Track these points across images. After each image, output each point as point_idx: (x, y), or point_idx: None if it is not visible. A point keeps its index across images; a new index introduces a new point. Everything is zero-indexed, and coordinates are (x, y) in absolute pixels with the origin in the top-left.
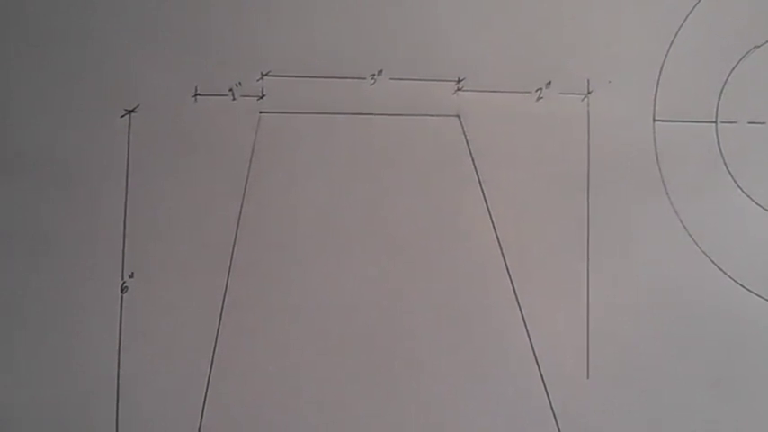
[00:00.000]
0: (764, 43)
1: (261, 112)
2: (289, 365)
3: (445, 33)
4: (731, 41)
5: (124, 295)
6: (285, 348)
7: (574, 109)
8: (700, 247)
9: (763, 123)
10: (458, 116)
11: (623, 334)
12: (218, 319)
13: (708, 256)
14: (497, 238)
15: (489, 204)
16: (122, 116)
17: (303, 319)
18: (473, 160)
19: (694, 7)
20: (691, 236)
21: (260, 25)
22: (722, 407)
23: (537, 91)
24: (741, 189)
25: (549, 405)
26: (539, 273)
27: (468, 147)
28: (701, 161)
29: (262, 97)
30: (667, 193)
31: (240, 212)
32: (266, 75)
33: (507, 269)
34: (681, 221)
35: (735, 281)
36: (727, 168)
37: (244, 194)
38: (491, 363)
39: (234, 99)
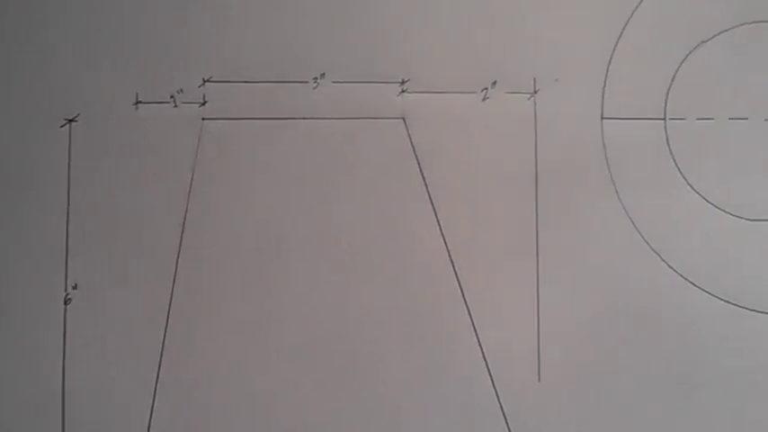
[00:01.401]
0: (712, 38)
1: (203, 119)
2: (236, 375)
3: (388, 34)
4: (678, 37)
5: (68, 307)
6: (231, 358)
7: (520, 108)
8: (650, 246)
9: (712, 119)
10: (403, 118)
11: (574, 335)
12: (163, 330)
13: (658, 254)
14: (445, 241)
15: (436, 206)
16: (62, 126)
17: (249, 327)
18: (418, 162)
19: (640, 3)
20: (641, 234)
21: (200, 31)
22: (674, 406)
23: (483, 91)
24: (691, 186)
25: (500, 408)
26: (488, 275)
27: (414, 149)
28: (650, 159)
29: (204, 103)
30: (616, 192)
31: (184, 221)
32: (208, 81)
33: (455, 272)
34: (630, 220)
35: (685, 278)
36: (676, 165)
37: (188, 202)
38: (441, 366)
39: (176, 106)
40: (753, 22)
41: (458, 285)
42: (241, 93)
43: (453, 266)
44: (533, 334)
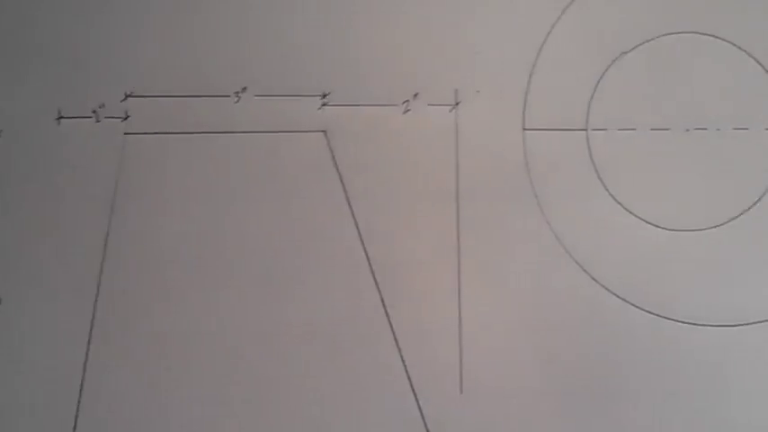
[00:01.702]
0: (632, 49)
1: (126, 134)
2: (159, 391)
3: (309, 47)
4: (600, 48)
5: None
6: (155, 374)
7: (442, 120)
8: (572, 257)
9: (634, 130)
10: (324, 131)
11: (497, 347)
12: (86, 343)
13: (580, 266)
14: (366, 254)
15: (357, 219)
16: None
17: (172, 341)
18: (340, 175)
19: (562, 14)
20: (563, 245)
21: (123, 45)
22: (598, 418)
23: (404, 103)
24: (612, 197)
25: (422, 421)
26: (409, 287)
27: (335, 162)
28: (572, 169)
29: (126, 118)
30: (538, 203)
31: (107, 235)
32: (130, 95)
33: (377, 284)
34: (552, 231)
35: (607, 289)
36: (598, 176)
37: (110, 216)
38: (363, 379)
39: (98, 121)
40: (673, 33)
41: (379, 298)
42: (163, 107)
43: (375, 279)
44: (455, 346)
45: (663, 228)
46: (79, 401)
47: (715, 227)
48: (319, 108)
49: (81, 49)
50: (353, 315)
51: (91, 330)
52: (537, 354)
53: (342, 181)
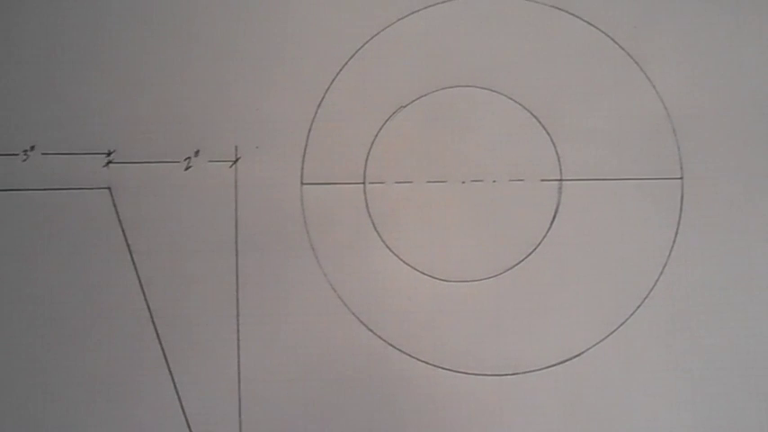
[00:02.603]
0: (410, 103)
1: None
2: None
3: (95, 106)
4: (378, 103)
5: None
6: None
7: (222, 175)
8: (349, 309)
9: (411, 183)
10: (108, 188)
11: (276, 398)
12: None
13: (357, 317)
14: (148, 306)
15: (140, 273)
16: None
17: None
18: (123, 230)
19: (341, 70)
20: (340, 297)
21: None
22: None
23: (186, 160)
24: (389, 248)
25: None
26: (190, 338)
27: (119, 218)
28: (350, 222)
29: None
30: (316, 256)
31: None
32: None
33: (158, 336)
34: (329, 283)
35: (384, 341)
36: (375, 228)
37: None
38: (144, 429)
39: None
40: (449, 87)
41: (161, 350)
42: None
43: (156, 332)
44: (235, 396)
45: (440, 279)
46: None
47: (491, 277)
48: (104, 165)
49: None
50: (136, 367)
51: None
52: (317, 405)
53: (125, 235)
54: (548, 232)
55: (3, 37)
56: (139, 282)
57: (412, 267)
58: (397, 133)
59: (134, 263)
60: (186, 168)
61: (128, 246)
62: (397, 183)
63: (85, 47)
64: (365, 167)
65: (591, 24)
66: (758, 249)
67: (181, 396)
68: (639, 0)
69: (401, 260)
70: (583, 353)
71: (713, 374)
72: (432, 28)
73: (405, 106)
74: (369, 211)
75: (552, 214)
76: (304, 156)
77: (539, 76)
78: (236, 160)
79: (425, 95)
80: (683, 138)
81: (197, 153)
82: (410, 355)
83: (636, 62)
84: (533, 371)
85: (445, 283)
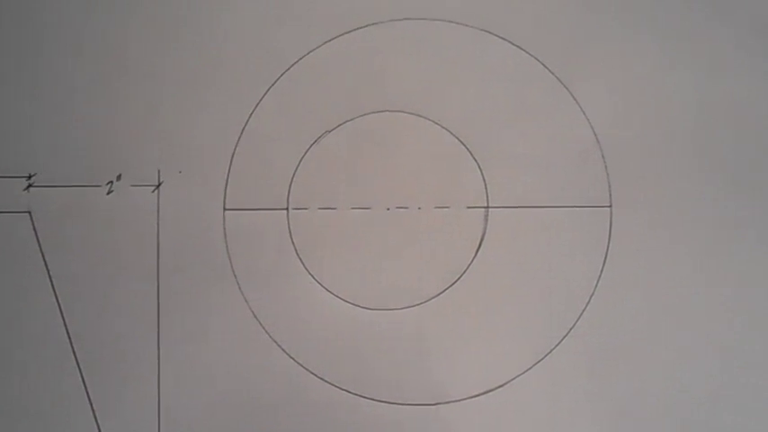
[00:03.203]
0: (335, 128)
1: None
2: None
3: (15, 129)
4: (303, 127)
5: None
6: None
7: (144, 200)
8: (270, 335)
9: (335, 209)
10: (29, 212)
11: (196, 423)
12: None
13: (278, 344)
14: (68, 332)
15: (59, 297)
16: None
17: None
18: (43, 255)
19: (264, 95)
20: (261, 324)
21: None
22: None
23: (107, 184)
24: (312, 275)
25: None
26: (110, 363)
27: (39, 242)
28: (272, 248)
29: None
30: (237, 282)
31: None
32: None
33: (78, 362)
34: (251, 309)
35: (305, 368)
36: (297, 255)
37: None
38: None
39: None
40: (375, 112)
41: (79, 374)
42: None
43: (75, 356)
44: (154, 420)
45: (362, 307)
46: None
47: (414, 306)
48: (25, 189)
49: None
50: (55, 392)
51: None
52: (236, 431)
53: (45, 260)
54: (473, 260)
55: None
56: (59, 307)
57: (334, 295)
58: (322, 158)
59: (53, 287)
60: (108, 192)
61: (47, 270)
62: (320, 209)
63: (6, 68)
64: (289, 193)
65: (520, 48)
66: (685, 278)
67: (99, 422)
68: (570, 24)
69: (323, 287)
70: (507, 383)
71: (639, 405)
72: (359, 51)
73: (330, 131)
74: (291, 238)
75: (478, 242)
76: (227, 181)
77: (467, 102)
78: (159, 185)
79: (351, 120)
80: (612, 165)
81: (119, 177)
82: (331, 384)
83: (566, 87)
84: (456, 401)
85: (368, 311)
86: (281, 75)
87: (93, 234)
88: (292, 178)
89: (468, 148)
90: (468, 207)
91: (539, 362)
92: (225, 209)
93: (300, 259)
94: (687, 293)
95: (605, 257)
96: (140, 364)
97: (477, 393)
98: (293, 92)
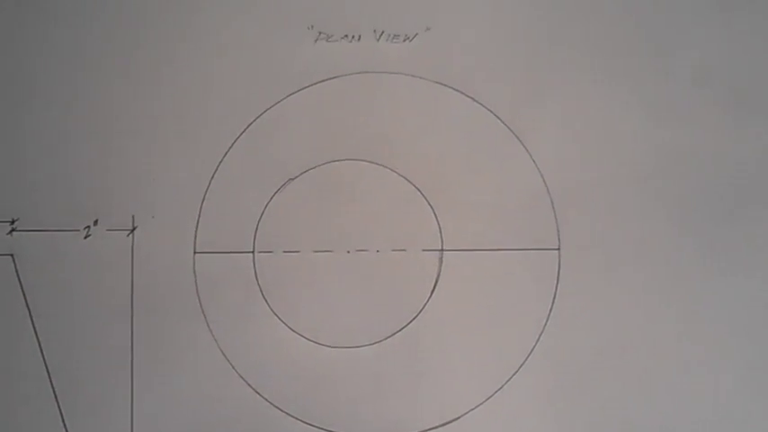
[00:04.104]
0: (299, 176)
1: None
2: None
3: (1, 177)
4: (268, 175)
5: None
6: None
7: (119, 244)
8: (237, 372)
9: (298, 252)
10: (11, 255)
11: None
12: None
13: (245, 381)
14: (46, 367)
15: (39, 335)
16: None
17: None
18: (25, 296)
19: (233, 144)
20: (229, 361)
21: None
22: None
23: (85, 229)
24: (276, 315)
25: None
26: (85, 398)
27: (20, 283)
28: (239, 289)
29: None
30: (206, 322)
31: None
32: None
33: (57, 399)
34: (219, 348)
35: (271, 403)
36: (263, 295)
37: None
38: None
39: None
40: (337, 161)
41: (57, 408)
42: None
43: (54, 391)
44: None
45: (324, 345)
46: None
47: (373, 344)
48: (8, 233)
49: None
50: (34, 426)
51: None
52: None
53: (26, 299)
54: (428, 300)
55: None
56: (39, 344)
57: (297, 333)
58: (287, 204)
59: (34, 326)
60: (86, 236)
61: (28, 309)
62: (285, 252)
63: None
64: (255, 237)
65: (474, 100)
66: (630, 316)
67: None
68: (521, 78)
69: (287, 326)
70: (461, 417)
71: None
72: (321, 103)
73: (294, 178)
74: (257, 279)
75: (433, 283)
76: (197, 225)
77: (423, 150)
78: (133, 229)
79: (314, 168)
80: (560, 210)
81: (96, 222)
82: (295, 417)
83: (517, 137)
84: None
85: (329, 348)
86: (248, 126)
87: (72, 275)
88: (258, 223)
89: (423, 195)
90: (424, 250)
91: (490, 397)
92: (195, 252)
93: (265, 299)
94: (631, 330)
95: (554, 297)
96: (115, 396)
97: (431, 427)
98: (259, 142)
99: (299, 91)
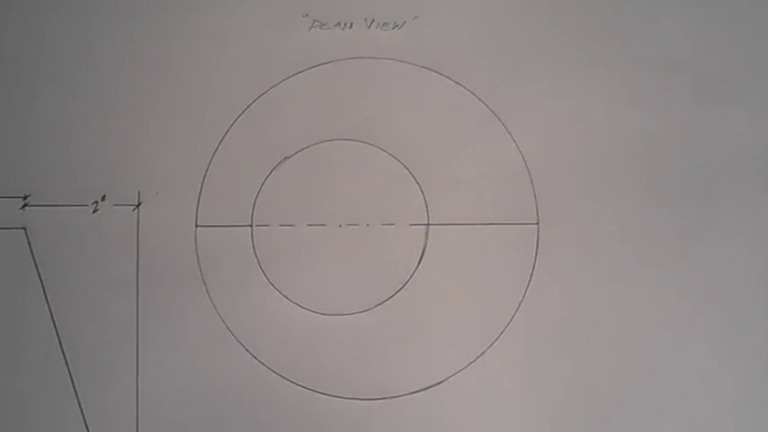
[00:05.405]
0: (294, 154)
1: None
2: None
3: (12, 154)
4: (265, 153)
5: None
6: None
7: (125, 219)
8: (237, 339)
9: (293, 226)
10: (24, 228)
11: (171, 419)
12: None
13: (243, 346)
14: (57, 335)
15: (51, 304)
16: None
17: None
18: (37, 267)
19: (233, 124)
20: (228, 328)
21: None
22: None
23: (93, 204)
24: (273, 285)
25: None
26: (94, 364)
27: (33, 255)
28: (238, 261)
29: None
30: (207, 291)
31: None
32: None
33: (66, 362)
34: (220, 316)
35: (268, 367)
36: (260, 267)
37: None
38: None
39: None
40: (329, 140)
41: (68, 373)
42: None
43: (65, 357)
44: (133, 417)
45: (318, 312)
46: None
47: (364, 311)
48: (21, 208)
49: None
50: (46, 391)
51: None
52: (206, 425)
53: (38, 271)
54: (415, 271)
55: None
56: (50, 311)
57: (293, 302)
58: (282, 181)
59: (45, 294)
60: (94, 211)
61: (40, 279)
62: (281, 225)
63: (5, 98)
64: (252, 212)
65: (458, 83)
66: (602, 286)
67: (84, 412)
68: (502, 63)
69: (283, 295)
70: (445, 380)
71: (564, 399)
72: (314, 87)
73: (289, 157)
74: (255, 251)
75: (419, 255)
76: (199, 201)
77: (410, 131)
78: (139, 204)
79: (307, 147)
80: (539, 187)
81: (103, 198)
82: (290, 381)
83: (498, 118)
84: (399, 396)
85: (322, 316)
86: (246, 108)
87: (80, 248)
88: (256, 199)
89: (411, 173)
90: (411, 224)
91: (473, 361)
92: (197, 226)
93: (262, 270)
94: (604, 300)
95: (533, 268)
96: (121, 363)
97: (417, 389)
98: (256, 123)
99: (294, 75)
